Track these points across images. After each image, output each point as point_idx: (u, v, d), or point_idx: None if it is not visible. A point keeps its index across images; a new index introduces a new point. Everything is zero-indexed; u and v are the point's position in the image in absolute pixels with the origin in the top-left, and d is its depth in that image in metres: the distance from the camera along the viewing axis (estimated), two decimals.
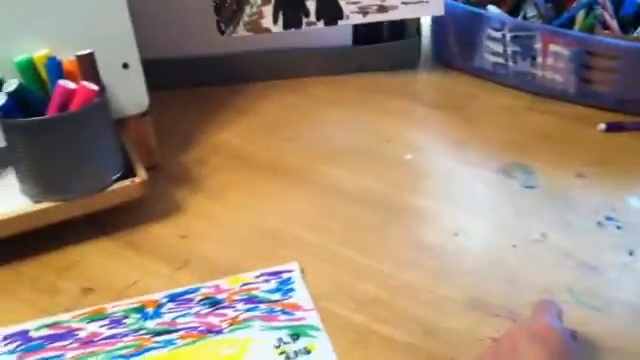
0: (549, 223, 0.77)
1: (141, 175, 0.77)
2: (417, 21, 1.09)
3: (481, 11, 1.03)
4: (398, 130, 0.95)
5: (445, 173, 0.87)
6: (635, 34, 0.96)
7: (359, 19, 1.02)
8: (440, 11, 1.01)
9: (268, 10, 1.00)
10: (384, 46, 1.08)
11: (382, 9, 1.02)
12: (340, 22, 1.02)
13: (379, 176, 0.86)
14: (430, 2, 1.01)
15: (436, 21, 1.11)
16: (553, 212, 0.79)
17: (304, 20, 1.02)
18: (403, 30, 1.08)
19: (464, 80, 1.06)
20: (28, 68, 0.74)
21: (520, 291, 0.68)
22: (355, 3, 1.01)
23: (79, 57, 0.74)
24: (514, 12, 1.04)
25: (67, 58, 0.74)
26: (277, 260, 0.72)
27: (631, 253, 0.72)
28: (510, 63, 1.01)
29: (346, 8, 1.01)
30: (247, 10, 1.00)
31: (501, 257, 0.73)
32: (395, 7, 1.01)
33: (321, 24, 1.02)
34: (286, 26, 1.01)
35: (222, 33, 1.01)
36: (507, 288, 0.68)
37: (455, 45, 1.07)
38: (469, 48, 1.05)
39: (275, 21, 1.01)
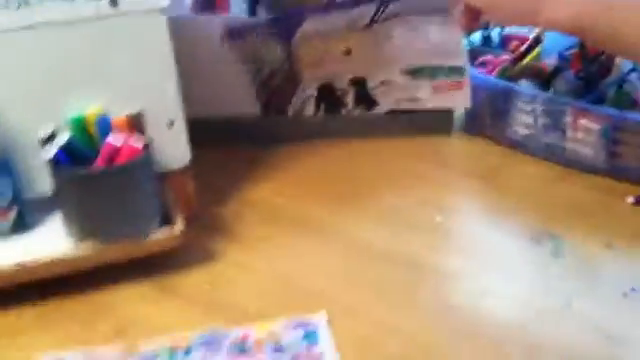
0: (576, 292, 0.77)
1: (179, 225, 0.80)
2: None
3: (514, 86, 1.06)
4: (429, 194, 0.98)
5: (474, 237, 0.89)
6: None
7: (391, 106, 1.10)
8: (467, 104, 1.09)
9: (311, 100, 1.10)
10: (418, 115, 1.12)
11: (413, 100, 1.09)
12: (376, 109, 1.11)
13: (409, 236, 0.88)
14: (457, 97, 1.09)
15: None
16: (580, 281, 0.79)
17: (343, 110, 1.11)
18: None
19: (495, 149, 1.09)
20: (80, 124, 0.79)
21: (542, 358, 0.69)
22: (388, 96, 1.10)
23: (128, 116, 0.79)
24: (545, 86, 1.07)
25: (116, 115, 0.79)
26: (305, 311, 0.74)
27: None
28: (540, 135, 1.04)
29: (381, 100, 1.09)
30: (293, 100, 1.09)
31: (525, 323, 0.73)
32: (426, 99, 1.10)
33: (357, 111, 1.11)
34: (326, 112, 1.11)
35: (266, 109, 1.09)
36: (529, 354, 0.69)
37: (488, 116, 1.10)
38: (501, 119, 1.08)
39: (316, 111, 1.11)
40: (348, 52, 1.07)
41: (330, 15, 1.05)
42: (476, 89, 1.11)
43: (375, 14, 1.05)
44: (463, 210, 0.96)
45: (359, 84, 1.10)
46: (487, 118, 1.11)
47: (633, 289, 0.78)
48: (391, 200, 0.96)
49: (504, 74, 1.11)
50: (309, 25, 1.05)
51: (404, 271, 0.82)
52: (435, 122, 1.12)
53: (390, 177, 1.03)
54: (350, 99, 1.10)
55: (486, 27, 1.20)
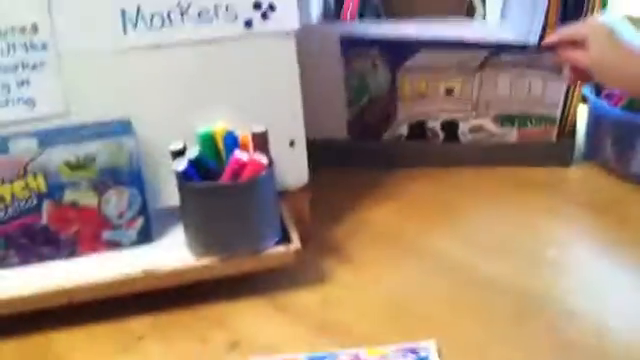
0: None
1: (296, 243, 0.82)
2: (574, 121, 1.10)
3: None
4: (544, 225, 0.96)
5: (591, 272, 0.86)
6: None
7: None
8: None
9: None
10: (538, 143, 1.10)
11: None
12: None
13: (522, 267, 0.86)
14: None
15: (591, 123, 1.12)
16: None
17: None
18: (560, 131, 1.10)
19: (617, 183, 1.05)
20: (208, 139, 0.82)
21: None
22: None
23: (254, 134, 0.82)
24: None
25: (243, 133, 0.82)
26: (413, 336, 0.74)
27: None
28: None
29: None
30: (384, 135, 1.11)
31: None
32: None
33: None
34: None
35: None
36: None
37: (610, 149, 1.07)
38: (625, 153, 1.04)
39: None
40: (450, 92, 1.07)
41: (443, 52, 1.05)
42: (599, 119, 1.08)
43: (486, 59, 1.05)
44: (579, 244, 0.93)
45: (451, 127, 1.10)
46: (610, 150, 1.07)
47: None
48: (504, 231, 0.95)
49: (632, 106, 1.07)
50: (421, 58, 1.05)
51: (515, 303, 0.80)
52: (555, 151, 1.10)
53: (504, 207, 1.01)
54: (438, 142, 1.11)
55: None
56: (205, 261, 0.80)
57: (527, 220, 0.97)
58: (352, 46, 1.06)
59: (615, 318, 0.78)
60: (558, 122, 1.08)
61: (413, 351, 0.72)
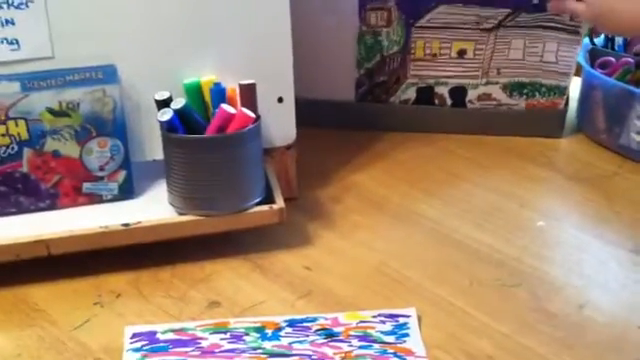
0: None
1: (279, 203, 0.81)
2: (567, 91, 1.08)
3: (634, 89, 1.01)
4: (533, 196, 0.95)
5: (576, 245, 0.86)
6: None
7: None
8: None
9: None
10: (527, 113, 1.08)
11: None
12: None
13: (508, 238, 0.86)
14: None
15: (585, 94, 1.10)
16: None
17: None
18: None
19: (607, 155, 1.04)
20: (195, 91, 0.80)
21: None
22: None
23: (241, 86, 0.80)
24: None
25: (230, 86, 0.80)
26: (395, 303, 0.74)
27: None
28: None
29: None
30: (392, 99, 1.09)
31: (626, 336, 0.71)
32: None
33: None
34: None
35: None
36: None
37: (602, 120, 1.06)
38: (616, 125, 1.03)
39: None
40: (462, 53, 1.05)
41: (463, 7, 1.02)
42: (593, 90, 1.07)
43: (504, 19, 1.02)
44: (567, 216, 0.93)
45: (459, 94, 1.08)
46: (602, 122, 1.06)
47: None
48: (492, 200, 0.94)
49: (625, 77, 1.06)
50: (440, 13, 1.03)
51: (500, 272, 0.80)
52: (545, 122, 1.09)
53: (493, 175, 1.00)
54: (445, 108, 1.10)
55: None
56: (187, 218, 0.78)
57: (515, 190, 0.96)
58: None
59: (597, 291, 0.78)
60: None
61: (393, 317, 0.72)
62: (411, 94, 1.09)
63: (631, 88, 1.01)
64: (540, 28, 1.02)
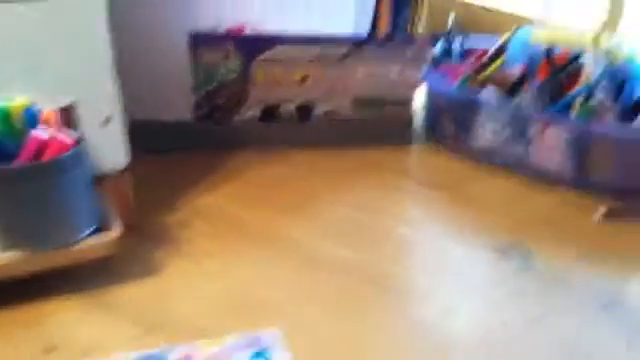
0: (543, 305, 0.73)
1: (114, 232, 0.73)
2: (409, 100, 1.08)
3: (476, 95, 1.02)
4: (390, 205, 0.93)
5: (438, 250, 0.84)
6: (634, 123, 0.95)
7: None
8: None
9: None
10: (375, 123, 1.07)
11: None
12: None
13: (369, 249, 0.82)
14: None
15: (430, 101, 1.10)
16: (548, 295, 0.75)
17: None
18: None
19: (458, 160, 1.04)
20: (4, 117, 0.70)
21: None
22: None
23: (57, 109, 0.71)
24: (510, 96, 1.03)
25: (47, 108, 0.71)
26: (255, 327, 0.68)
27: (628, 342, 0.68)
28: (505, 146, 1.00)
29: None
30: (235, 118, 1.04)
31: (491, 337, 0.69)
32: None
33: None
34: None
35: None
36: None
37: (450, 126, 1.06)
38: (464, 130, 1.04)
39: None
40: (304, 79, 1.02)
41: (302, 46, 0.99)
42: (437, 98, 1.07)
43: (348, 53, 1.01)
44: (426, 223, 0.91)
45: (305, 111, 1.05)
46: (449, 128, 1.06)
47: (603, 305, 0.73)
48: (349, 211, 0.91)
49: (466, 83, 1.06)
50: (277, 51, 0.99)
51: (363, 286, 0.76)
52: (394, 132, 1.07)
53: (348, 187, 0.97)
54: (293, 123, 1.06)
55: (447, 38, 1.16)
56: (11, 256, 0.69)
57: (372, 201, 0.94)
58: (203, 40, 0.98)
59: (462, 297, 0.75)
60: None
61: (253, 343, 0.65)
62: (255, 112, 1.04)
63: (472, 96, 1.02)
64: (385, 60, 1.02)
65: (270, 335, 0.66)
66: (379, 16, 1.00)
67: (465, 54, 1.15)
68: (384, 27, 1.00)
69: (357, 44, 1.00)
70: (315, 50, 0.99)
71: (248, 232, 0.85)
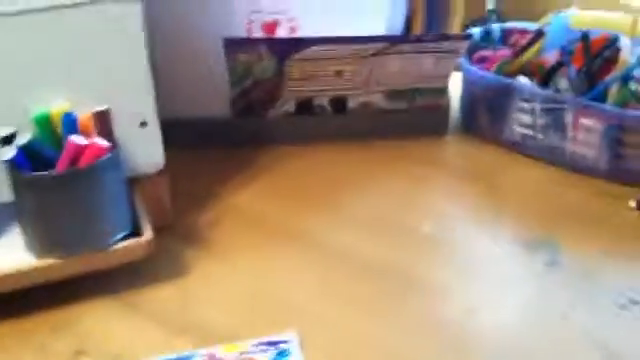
0: (572, 302, 0.73)
1: (147, 236, 0.75)
2: (447, 91, 1.07)
3: (511, 82, 1.00)
4: (421, 199, 0.93)
5: (466, 245, 0.84)
6: None
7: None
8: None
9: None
10: (410, 114, 1.06)
11: None
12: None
13: (396, 245, 0.83)
14: None
15: (465, 90, 1.09)
16: (577, 291, 0.75)
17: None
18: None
19: (492, 151, 1.03)
20: (44, 123, 0.74)
21: None
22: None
23: (95, 113, 0.74)
24: (545, 83, 1.01)
25: (83, 114, 0.74)
26: (278, 328, 0.69)
27: None
28: (540, 136, 0.98)
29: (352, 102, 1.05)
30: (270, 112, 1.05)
31: (519, 336, 0.69)
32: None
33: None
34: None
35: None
36: None
37: (484, 115, 1.05)
38: (498, 119, 1.02)
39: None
40: (339, 73, 1.02)
41: (335, 45, 0.99)
42: (472, 86, 1.06)
43: (383, 50, 1.00)
44: (455, 216, 0.90)
45: (339, 103, 1.05)
46: (484, 117, 1.05)
47: (632, 300, 0.72)
48: (377, 206, 0.91)
49: (502, 70, 1.05)
50: (312, 51, 0.99)
51: (388, 283, 0.76)
52: (429, 122, 1.07)
53: (377, 181, 0.97)
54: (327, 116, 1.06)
55: (486, 22, 1.14)
56: (45, 262, 0.72)
57: (402, 195, 0.94)
58: (237, 43, 0.99)
59: (489, 293, 0.75)
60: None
61: (273, 344, 0.67)
62: (290, 107, 1.05)
63: (508, 80, 1.01)
64: (420, 52, 1.01)
65: (292, 337, 0.68)
66: (413, 15, 0.99)
67: (504, 39, 1.13)
68: (418, 26, 0.98)
69: (392, 43, 0.99)
70: (349, 49, 0.98)
71: (275, 229, 0.87)
